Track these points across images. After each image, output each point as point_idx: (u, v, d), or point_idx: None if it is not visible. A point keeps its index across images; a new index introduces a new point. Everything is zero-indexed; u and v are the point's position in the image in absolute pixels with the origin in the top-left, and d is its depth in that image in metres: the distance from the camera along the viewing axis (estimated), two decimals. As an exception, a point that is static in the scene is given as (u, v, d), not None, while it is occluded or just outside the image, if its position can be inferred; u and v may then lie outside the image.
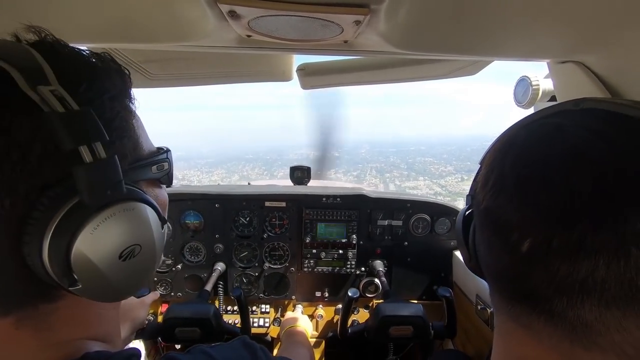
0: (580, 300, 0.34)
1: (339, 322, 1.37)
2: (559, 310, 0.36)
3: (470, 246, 0.53)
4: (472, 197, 0.52)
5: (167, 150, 0.52)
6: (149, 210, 0.43)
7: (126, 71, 0.47)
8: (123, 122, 0.44)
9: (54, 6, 0.66)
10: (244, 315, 1.39)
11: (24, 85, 0.35)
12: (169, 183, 0.53)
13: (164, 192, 0.54)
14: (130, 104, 0.47)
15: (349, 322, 1.58)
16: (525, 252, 0.37)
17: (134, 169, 0.46)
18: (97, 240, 0.38)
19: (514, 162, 0.41)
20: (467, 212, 0.55)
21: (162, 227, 0.46)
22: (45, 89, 0.35)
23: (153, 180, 0.50)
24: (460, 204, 1.84)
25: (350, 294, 1.33)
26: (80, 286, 0.38)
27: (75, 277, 0.37)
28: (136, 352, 0.45)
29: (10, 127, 0.35)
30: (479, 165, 0.49)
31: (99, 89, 0.42)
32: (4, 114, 0.35)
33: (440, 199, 1.83)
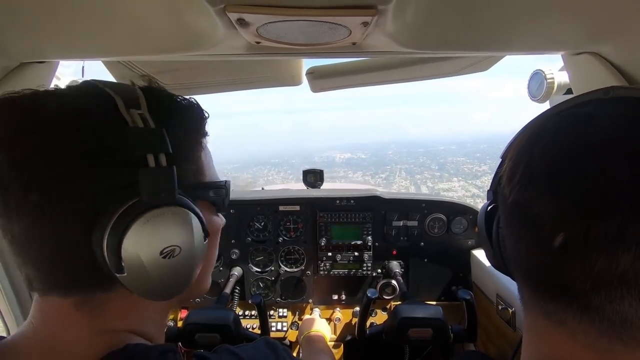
0: (619, 294, 0.33)
1: (357, 324, 1.36)
2: (596, 305, 0.34)
3: (494, 242, 0.52)
4: (493, 192, 0.51)
5: (227, 181, 0.59)
6: (194, 219, 0.47)
7: (206, 114, 0.56)
8: (190, 150, 0.52)
9: (68, 23, 0.68)
10: (264, 321, 1.39)
11: (122, 108, 0.44)
12: (223, 208, 0.60)
13: (218, 220, 0.60)
14: (202, 139, 0.55)
15: (368, 324, 1.56)
16: (559, 245, 0.35)
17: (194, 188, 0.52)
18: (144, 234, 0.43)
19: (543, 152, 0.39)
20: (489, 208, 0.53)
21: (205, 239, 0.50)
22: (134, 111, 0.44)
23: (209, 204, 0.56)
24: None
25: (369, 295, 1.32)
26: (126, 274, 0.43)
27: (123, 264, 0.42)
28: (173, 348, 0.48)
29: (102, 137, 0.43)
30: (500, 159, 0.47)
31: (177, 121, 0.50)
32: (102, 127, 0.43)
33: (455, 199, 1.81)
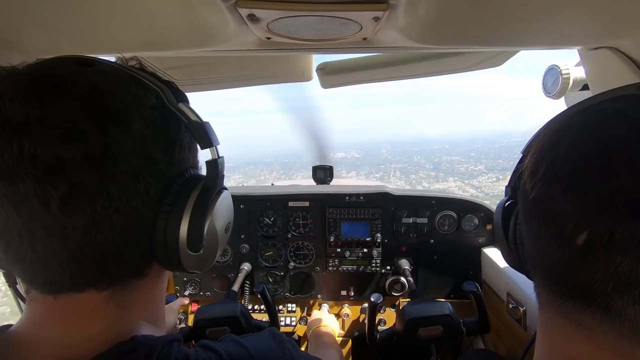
0: None
1: (365, 328, 1.36)
2: (617, 307, 0.34)
3: (510, 240, 0.51)
4: (512, 188, 0.50)
5: None
6: (231, 198, 0.56)
7: None
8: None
9: (82, 19, 0.69)
10: (270, 309, 1.40)
11: (172, 101, 0.47)
12: None
13: None
14: None
15: (376, 320, 1.56)
16: (582, 244, 0.35)
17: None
18: (220, 214, 0.51)
19: (569, 149, 0.38)
20: (506, 204, 0.52)
21: None
22: (183, 105, 0.47)
23: None
24: (493, 204, 1.78)
25: (373, 300, 1.31)
26: (202, 252, 0.48)
27: (203, 243, 0.48)
28: (179, 337, 0.49)
29: (166, 131, 0.46)
30: (521, 155, 0.46)
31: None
32: (162, 122, 0.46)
33: (467, 196, 1.79)
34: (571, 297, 0.38)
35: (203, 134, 0.47)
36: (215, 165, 0.49)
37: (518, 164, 0.48)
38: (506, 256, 0.54)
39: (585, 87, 1.01)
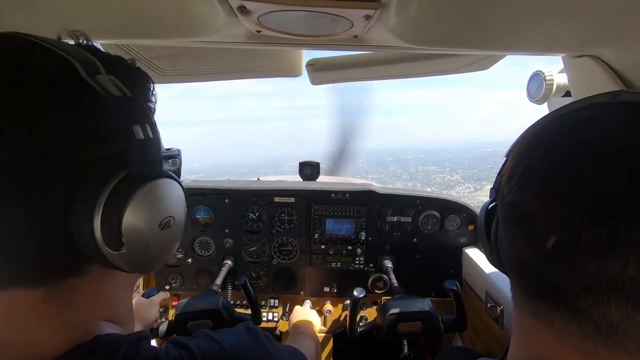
0: (606, 299, 0.33)
1: (347, 322, 1.37)
2: (583, 308, 0.35)
3: (492, 240, 0.52)
4: (496, 190, 0.51)
5: (179, 150, 0.56)
6: (180, 189, 0.49)
7: (152, 80, 0.52)
8: (153, 118, 0.48)
9: (64, 2, 0.67)
10: (252, 302, 1.39)
11: (84, 74, 0.40)
12: (178, 177, 0.56)
13: None
14: (151, 105, 0.51)
15: (358, 318, 1.58)
16: (551, 247, 0.36)
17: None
18: (144, 208, 0.42)
19: (542, 154, 0.40)
20: (490, 206, 0.54)
21: (186, 208, 0.51)
22: (102, 77, 0.41)
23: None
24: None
25: (355, 294, 1.32)
26: (125, 250, 0.41)
27: (123, 240, 0.41)
28: (146, 335, 0.47)
29: (76, 107, 0.40)
30: (504, 158, 0.47)
31: (140, 88, 0.48)
32: (70, 96, 0.39)
33: (450, 196, 1.82)
34: (542, 298, 0.39)
35: (123, 109, 0.41)
36: (141, 147, 0.42)
37: (501, 167, 0.49)
38: (488, 256, 0.55)
39: (567, 94, 1.04)
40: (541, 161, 0.39)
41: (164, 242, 0.47)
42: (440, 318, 1.27)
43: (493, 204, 0.54)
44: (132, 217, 0.41)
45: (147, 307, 1.19)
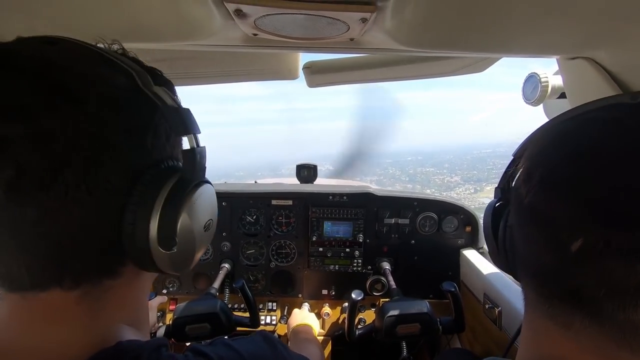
0: (633, 303, 0.33)
1: (345, 325, 1.37)
2: (607, 312, 0.35)
3: (499, 241, 0.51)
4: (501, 189, 0.51)
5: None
6: (215, 194, 0.51)
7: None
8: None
9: (63, 5, 0.67)
10: (250, 305, 1.39)
11: (147, 84, 0.43)
12: None
13: None
14: None
15: (356, 321, 1.57)
16: (576, 251, 0.35)
17: None
18: (196, 209, 0.45)
19: (566, 155, 0.39)
20: (496, 205, 0.53)
21: None
22: (157, 88, 0.43)
23: None
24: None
25: (353, 296, 1.32)
26: (175, 250, 0.43)
27: (177, 240, 0.43)
28: (165, 342, 0.47)
29: (138, 116, 0.43)
30: (512, 157, 0.47)
31: (176, 95, 0.50)
32: (133, 106, 0.43)
33: (448, 198, 1.82)
34: (560, 300, 0.39)
35: (179, 120, 0.44)
36: (192, 155, 0.44)
37: (508, 166, 0.49)
38: (494, 257, 0.54)
39: (562, 95, 1.05)
40: (565, 162, 0.38)
41: (204, 243, 0.50)
42: (438, 319, 1.27)
43: (499, 203, 0.53)
44: (186, 219, 0.43)
45: None
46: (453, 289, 1.29)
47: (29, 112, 0.35)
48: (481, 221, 1.73)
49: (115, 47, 0.48)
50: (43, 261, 0.39)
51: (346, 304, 1.73)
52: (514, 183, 0.45)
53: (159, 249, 0.42)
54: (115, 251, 0.42)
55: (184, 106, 0.46)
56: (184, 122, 0.44)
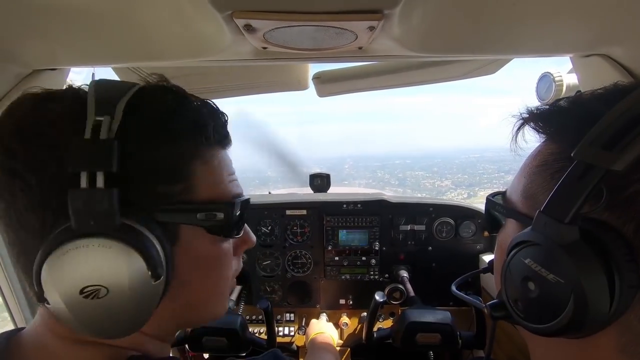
0: None
1: (364, 326, 1.35)
2: None
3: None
4: (573, 218, 0.34)
5: (234, 201, 0.50)
6: (134, 256, 0.39)
7: (213, 119, 0.49)
8: (176, 164, 0.45)
9: (79, 31, 0.70)
10: (271, 327, 1.39)
11: (90, 114, 0.40)
12: (226, 233, 0.50)
13: (219, 247, 0.51)
14: (202, 150, 0.48)
15: (376, 320, 1.55)
16: None
17: (175, 211, 0.45)
18: (60, 268, 0.37)
19: None
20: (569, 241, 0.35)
21: (158, 278, 0.40)
22: (102, 119, 0.39)
23: (202, 229, 0.47)
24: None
25: (377, 298, 1.30)
26: (50, 305, 0.38)
27: (45, 296, 0.38)
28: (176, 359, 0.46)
29: (55, 148, 0.40)
30: (572, 162, 0.35)
31: (158, 130, 0.44)
32: (60, 137, 0.40)
33: (463, 203, 1.79)
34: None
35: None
36: (80, 200, 0.38)
37: (579, 178, 0.37)
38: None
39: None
40: None
41: (96, 314, 0.43)
42: (459, 333, 1.24)
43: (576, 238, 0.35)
44: (48, 275, 0.39)
45: None
46: (478, 303, 1.25)
47: None
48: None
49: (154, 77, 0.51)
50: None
51: (364, 314, 1.70)
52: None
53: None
54: None
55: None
56: (86, 155, 0.40)
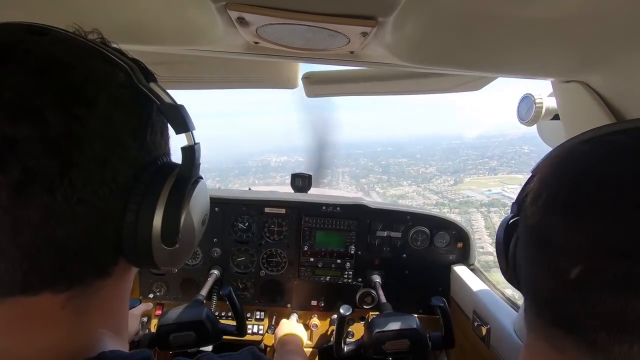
0: (629, 339, 0.32)
1: (333, 340, 1.35)
2: (603, 344, 0.33)
3: (510, 257, 0.50)
4: (518, 205, 0.48)
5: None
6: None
7: None
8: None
9: (62, 6, 0.67)
10: (237, 313, 1.37)
11: (142, 80, 0.42)
12: None
13: None
14: None
15: (344, 334, 1.56)
16: (574, 278, 0.34)
17: None
18: (197, 205, 0.46)
19: (570, 180, 0.37)
20: (510, 221, 0.51)
21: None
22: (154, 85, 0.43)
23: None
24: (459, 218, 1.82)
25: (342, 312, 1.30)
26: (178, 246, 0.43)
27: (179, 236, 0.43)
28: (149, 354, 0.45)
29: (137, 112, 0.42)
30: (530, 174, 0.45)
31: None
32: (132, 103, 0.42)
33: (440, 213, 1.83)
34: (555, 325, 0.38)
35: (178, 118, 0.43)
36: (191, 152, 0.44)
37: (526, 183, 0.47)
38: (504, 273, 0.54)
39: (556, 117, 1.06)
40: (569, 188, 0.37)
41: (200, 237, 0.50)
42: (427, 335, 1.26)
43: (512, 219, 0.51)
44: (188, 216, 0.44)
45: (129, 319, 1.17)
46: (442, 305, 1.28)
47: (37, 112, 0.33)
48: (472, 237, 1.74)
49: (93, 36, 0.45)
50: (44, 265, 0.36)
51: (335, 316, 1.71)
52: (524, 201, 0.43)
53: (162, 246, 0.42)
54: (113, 250, 0.41)
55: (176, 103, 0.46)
56: (182, 119, 0.44)
